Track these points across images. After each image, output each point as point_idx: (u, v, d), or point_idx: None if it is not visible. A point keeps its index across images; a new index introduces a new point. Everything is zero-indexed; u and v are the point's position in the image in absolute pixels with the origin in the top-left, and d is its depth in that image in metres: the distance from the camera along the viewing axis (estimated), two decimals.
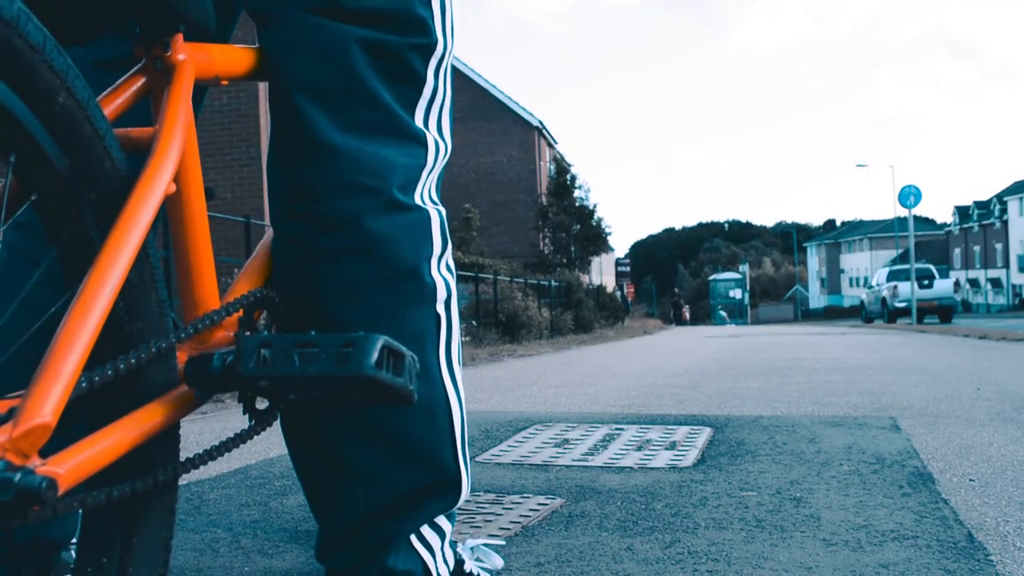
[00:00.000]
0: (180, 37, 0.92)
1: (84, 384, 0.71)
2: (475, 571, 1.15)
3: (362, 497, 1.02)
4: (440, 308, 1.03)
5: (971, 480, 2.28)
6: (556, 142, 38.57)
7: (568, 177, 31.70)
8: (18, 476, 0.62)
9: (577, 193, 31.58)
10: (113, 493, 0.77)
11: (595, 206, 31.61)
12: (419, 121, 1.08)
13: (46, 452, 0.67)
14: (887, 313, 25.19)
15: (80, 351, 0.68)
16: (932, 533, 1.75)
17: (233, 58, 1.03)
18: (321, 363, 0.88)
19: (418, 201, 1.05)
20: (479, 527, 1.87)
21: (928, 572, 1.50)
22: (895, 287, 25.35)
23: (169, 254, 1.09)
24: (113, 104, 0.89)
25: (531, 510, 2.02)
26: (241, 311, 0.97)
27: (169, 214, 0.94)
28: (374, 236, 1.00)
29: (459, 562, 1.14)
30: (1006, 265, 67.87)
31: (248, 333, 0.96)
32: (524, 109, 34.07)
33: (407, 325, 1.00)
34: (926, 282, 24.96)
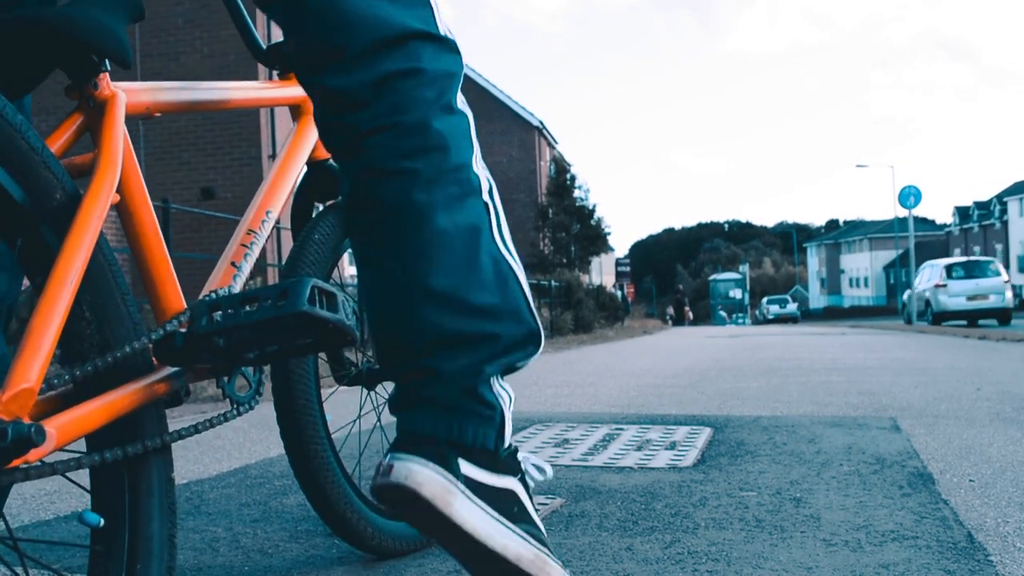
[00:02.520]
0: (106, 75, 1.10)
1: (68, 376, 0.90)
2: (526, 460, 1.22)
3: (467, 353, 1.11)
4: (486, 198, 1.14)
5: (971, 481, 2.28)
6: (556, 142, 38.57)
7: (568, 177, 31.71)
8: (11, 427, 0.78)
9: (577, 193, 31.61)
10: (107, 455, 0.95)
11: (595, 206, 31.64)
12: (444, 31, 1.14)
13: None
14: (932, 315, 21.22)
15: (54, 330, 0.86)
16: (932, 534, 1.75)
17: (160, 95, 1.23)
18: (263, 309, 1.05)
19: (460, 107, 1.15)
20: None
21: (928, 572, 1.50)
22: (941, 285, 21.24)
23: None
24: (59, 141, 1.06)
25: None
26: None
27: (121, 220, 1.10)
28: (443, 136, 1.10)
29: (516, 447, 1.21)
30: (1006, 265, 67.90)
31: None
32: (524, 109, 34.08)
33: (465, 213, 1.11)
34: (980, 279, 21.11)
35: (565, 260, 30.52)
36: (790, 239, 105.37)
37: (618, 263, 46.64)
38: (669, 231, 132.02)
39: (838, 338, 13.99)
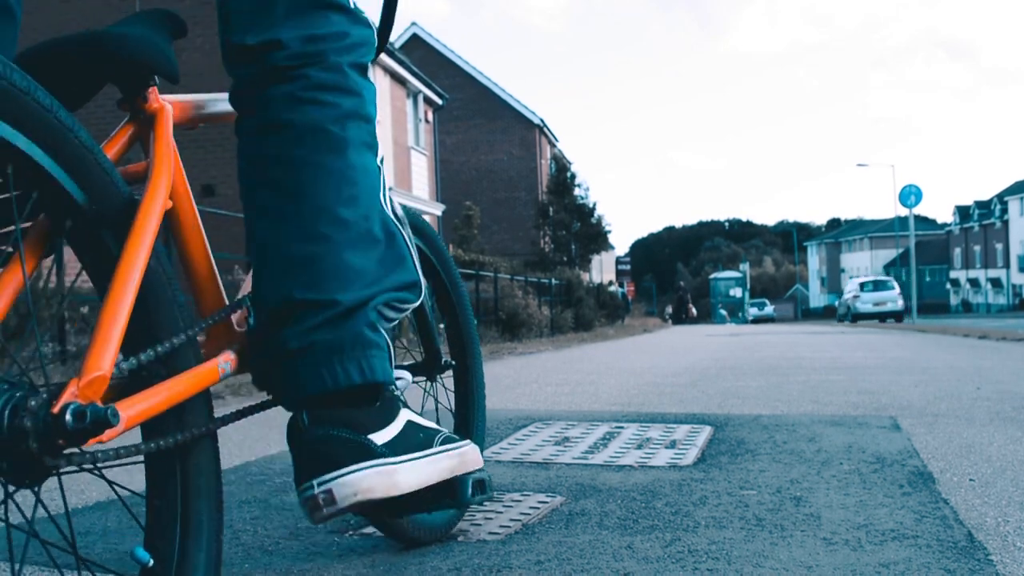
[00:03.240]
0: (155, 89, 1.19)
1: (132, 359, 0.99)
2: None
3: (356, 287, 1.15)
4: (379, 163, 1.21)
5: (971, 480, 2.28)
6: (557, 140, 38.55)
7: (568, 175, 31.69)
8: (90, 410, 0.86)
9: (577, 191, 31.59)
10: (169, 440, 1.04)
11: (595, 204, 31.62)
12: (355, 5, 1.22)
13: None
14: (851, 316, 31.58)
15: (121, 321, 0.95)
16: (932, 533, 1.75)
17: (203, 107, 1.33)
18: None
19: (371, 77, 1.23)
20: (479, 524, 1.88)
21: (928, 572, 1.50)
22: (856, 296, 32.37)
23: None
24: (112, 150, 1.16)
25: (531, 508, 2.02)
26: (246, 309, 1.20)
27: (169, 223, 1.16)
28: (359, 86, 1.18)
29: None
30: (1006, 265, 67.85)
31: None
32: (525, 107, 34.05)
33: (370, 161, 1.19)
34: (883, 290, 32.06)
35: (565, 258, 30.52)
36: (791, 238, 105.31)
37: (618, 261, 46.60)
38: (670, 229, 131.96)
39: (838, 337, 14.00)
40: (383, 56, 18.81)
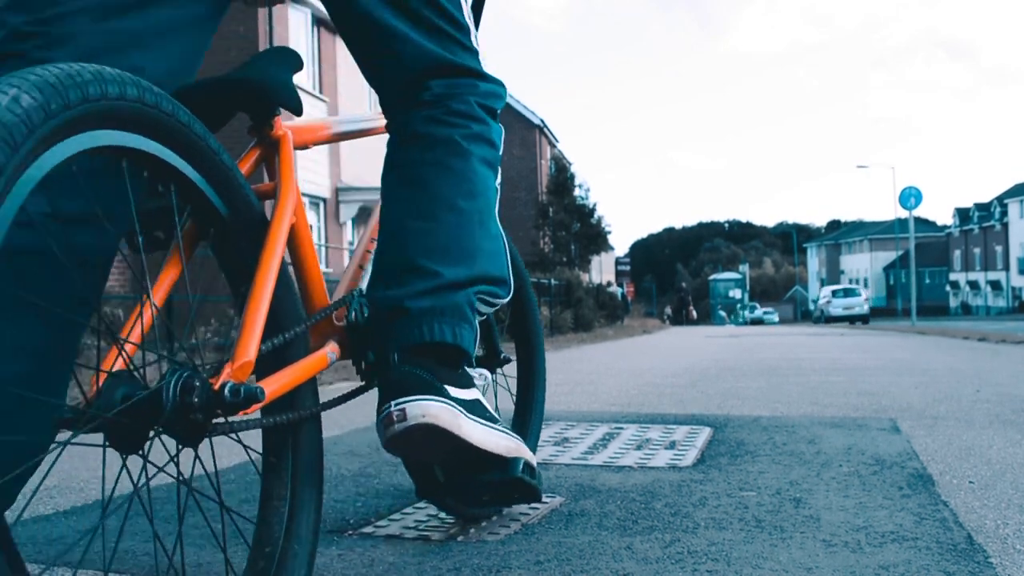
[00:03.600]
0: (279, 119, 1.38)
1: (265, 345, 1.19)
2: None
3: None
4: (497, 184, 1.42)
5: (971, 482, 2.28)
6: (557, 141, 38.54)
7: (568, 176, 31.70)
8: (243, 388, 1.07)
9: (577, 192, 31.60)
10: (286, 416, 1.26)
11: (595, 205, 31.63)
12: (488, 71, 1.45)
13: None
14: (825, 318, 38.14)
15: (262, 316, 1.15)
16: (932, 535, 1.75)
17: (316, 132, 1.53)
18: None
19: (499, 120, 1.46)
20: (479, 524, 1.87)
21: (928, 574, 1.50)
22: (829, 301, 39.45)
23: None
24: (244, 168, 1.33)
25: (531, 508, 2.02)
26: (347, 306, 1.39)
27: (290, 235, 1.34)
28: (487, 120, 1.41)
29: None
30: (1006, 267, 67.88)
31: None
32: (525, 107, 34.05)
33: (491, 177, 1.41)
34: (851, 296, 39.44)
35: (565, 259, 30.51)
36: (790, 239, 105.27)
37: (618, 262, 46.59)
38: (669, 230, 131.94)
39: (837, 339, 14.00)
40: None
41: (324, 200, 15.61)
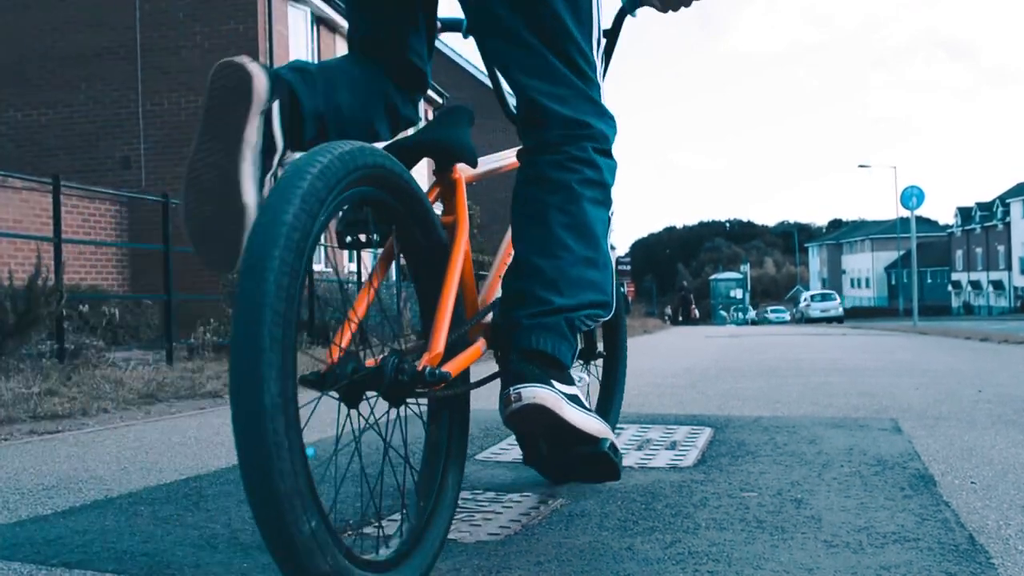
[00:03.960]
0: (456, 166, 1.77)
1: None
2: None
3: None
4: (611, 213, 1.77)
5: (973, 483, 2.27)
6: None
7: None
8: (438, 371, 1.46)
9: None
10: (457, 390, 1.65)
11: None
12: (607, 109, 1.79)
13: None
14: (806, 320, 42.76)
15: (448, 320, 1.55)
16: (933, 536, 1.75)
17: (477, 170, 1.89)
18: None
19: (614, 156, 1.79)
20: (478, 525, 1.87)
21: (929, 575, 1.50)
22: (808, 304, 46.85)
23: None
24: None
25: (531, 508, 2.02)
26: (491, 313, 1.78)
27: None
28: (599, 164, 1.73)
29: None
30: (1008, 267, 67.82)
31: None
32: None
33: (600, 213, 1.73)
34: (827, 300, 46.87)
35: None
36: (792, 239, 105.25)
37: (618, 262, 46.34)
38: (670, 230, 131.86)
39: (837, 339, 13.99)
40: None
41: None
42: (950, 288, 79.58)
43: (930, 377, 5.71)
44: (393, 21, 1.78)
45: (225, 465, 2.67)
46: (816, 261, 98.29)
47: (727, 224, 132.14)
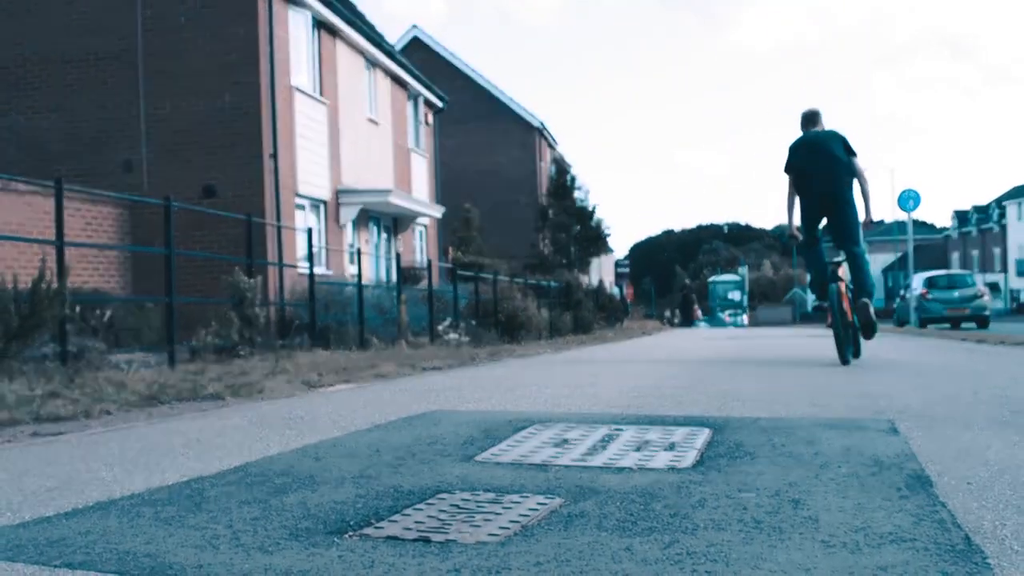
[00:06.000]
0: None
1: None
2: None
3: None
4: (873, 274, 7.46)
5: (969, 483, 2.28)
6: (556, 143, 38.55)
7: (568, 178, 31.72)
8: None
9: (577, 194, 31.62)
10: None
11: (595, 207, 31.66)
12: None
13: None
14: (919, 319, 23.87)
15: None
16: (930, 536, 1.76)
17: None
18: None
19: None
20: (478, 526, 1.88)
21: (926, 575, 1.51)
22: (926, 293, 24.60)
23: None
24: None
25: (530, 509, 2.03)
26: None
27: None
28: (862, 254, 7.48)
29: None
30: (1004, 270, 67.85)
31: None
32: (525, 110, 34.04)
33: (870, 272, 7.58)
34: (956, 291, 24.90)
35: (565, 261, 30.51)
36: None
37: (618, 264, 46.53)
38: (668, 233, 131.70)
39: None
40: (384, 59, 18.82)
41: (324, 203, 15.58)
42: None
43: (926, 378, 5.73)
44: None
45: (227, 466, 2.68)
46: None
47: (725, 227, 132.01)
